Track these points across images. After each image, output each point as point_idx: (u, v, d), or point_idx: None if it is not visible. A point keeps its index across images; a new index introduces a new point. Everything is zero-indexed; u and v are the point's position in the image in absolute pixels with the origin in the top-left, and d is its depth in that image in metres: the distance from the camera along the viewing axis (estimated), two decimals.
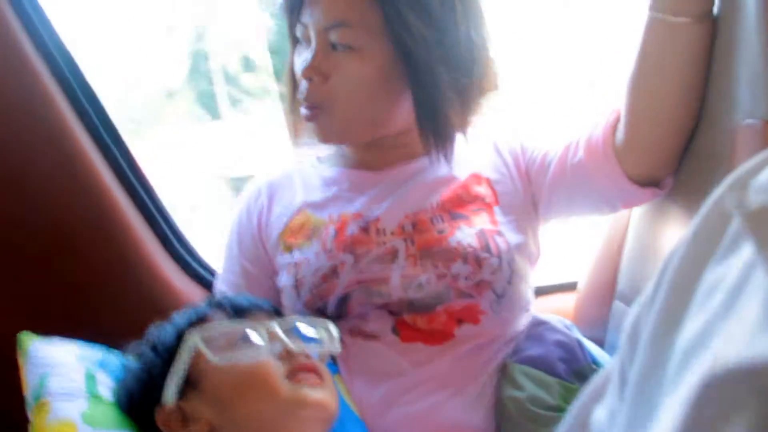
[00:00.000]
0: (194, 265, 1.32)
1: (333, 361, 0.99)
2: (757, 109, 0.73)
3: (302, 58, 0.96)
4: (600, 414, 0.43)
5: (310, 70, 0.94)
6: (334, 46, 0.93)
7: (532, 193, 1.02)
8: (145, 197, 1.25)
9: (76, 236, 1.17)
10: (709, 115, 0.86)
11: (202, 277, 1.31)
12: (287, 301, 1.03)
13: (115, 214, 1.18)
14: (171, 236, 1.29)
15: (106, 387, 0.88)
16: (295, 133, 1.08)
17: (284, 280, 1.03)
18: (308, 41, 0.95)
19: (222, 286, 1.11)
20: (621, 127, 0.91)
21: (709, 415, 0.29)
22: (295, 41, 1.00)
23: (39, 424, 0.81)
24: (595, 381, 0.47)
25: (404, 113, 0.98)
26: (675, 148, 0.90)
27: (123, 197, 1.21)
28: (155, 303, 1.17)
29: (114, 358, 0.93)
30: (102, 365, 0.91)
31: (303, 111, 0.98)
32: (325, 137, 1.00)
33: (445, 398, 0.92)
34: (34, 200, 1.14)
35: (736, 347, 0.30)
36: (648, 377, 0.36)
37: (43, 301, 1.17)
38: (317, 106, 0.96)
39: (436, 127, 0.95)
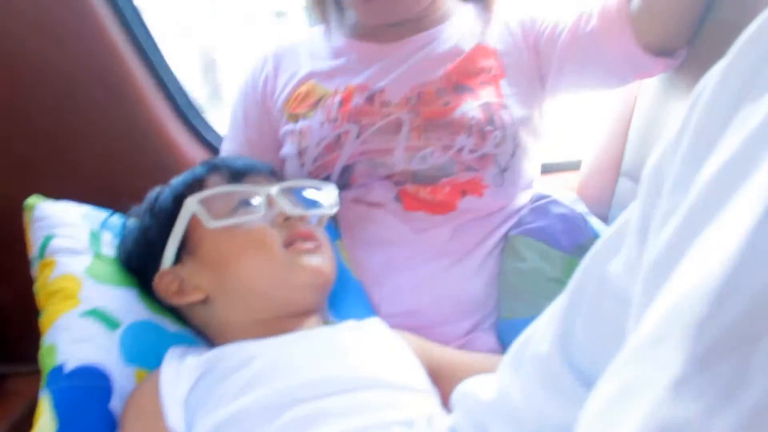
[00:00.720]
0: (203, 130, 1.31)
1: (335, 227, 1.00)
2: None
3: None
4: (617, 266, 0.42)
5: None
6: None
7: (539, 65, 1.00)
8: (155, 61, 1.23)
9: (89, 100, 1.16)
10: None
11: (211, 143, 1.31)
12: (291, 170, 1.02)
13: (126, 77, 1.17)
14: (181, 100, 1.28)
15: (110, 246, 0.89)
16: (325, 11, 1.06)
17: (288, 148, 1.02)
18: None
19: (225, 155, 1.11)
20: None
21: None
22: None
23: (43, 282, 0.82)
24: (606, 235, 0.44)
25: None
26: (692, 16, 0.87)
27: (135, 61, 1.19)
28: (164, 168, 1.16)
29: (119, 220, 0.93)
30: (107, 226, 0.91)
31: None
32: (395, 14, 0.98)
33: (445, 266, 0.93)
34: (45, 63, 1.12)
35: None
36: (679, 225, 0.32)
37: (52, 165, 1.17)
38: None
39: None
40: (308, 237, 0.82)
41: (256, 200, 0.82)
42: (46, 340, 0.77)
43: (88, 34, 1.13)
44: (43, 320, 0.79)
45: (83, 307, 0.79)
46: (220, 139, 1.31)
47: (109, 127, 1.19)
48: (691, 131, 0.34)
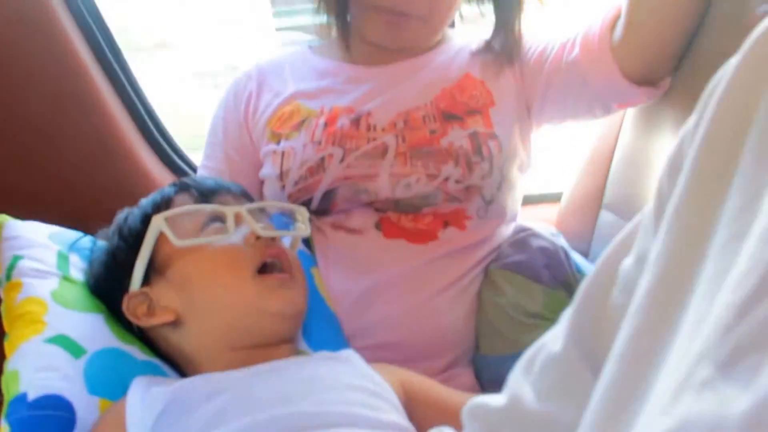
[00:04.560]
0: (172, 155, 1.30)
1: (310, 254, 0.98)
2: None
3: None
4: (628, 262, 0.42)
5: None
6: None
7: (526, 95, 1.00)
8: (127, 86, 1.23)
9: (57, 122, 1.15)
10: (716, 12, 0.82)
11: (179, 167, 1.30)
12: (270, 192, 1.01)
13: (96, 102, 1.16)
14: (150, 125, 1.27)
15: (78, 269, 0.87)
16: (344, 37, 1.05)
17: (268, 170, 1.00)
18: None
19: (204, 174, 1.08)
20: (620, 22, 0.88)
21: None
22: None
23: (9, 304, 0.80)
24: (622, 234, 0.45)
25: None
26: (675, 45, 0.87)
27: (105, 84, 1.19)
28: (133, 191, 1.14)
29: (87, 242, 0.91)
30: (74, 248, 0.89)
31: (388, 17, 0.96)
32: (407, 41, 1.00)
33: (423, 298, 0.91)
34: (12, 84, 1.11)
35: None
36: (695, 204, 0.33)
37: (20, 184, 1.15)
38: (418, 16, 0.96)
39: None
40: (279, 256, 0.80)
41: (226, 218, 0.80)
42: (10, 365, 0.75)
43: (56, 55, 1.12)
44: (8, 344, 0.77)
45: (48, 333, 0.77)
46: (189, 162, 1.31)
47: (77, 148, 1.18)
48: (708, 117, 0.34)
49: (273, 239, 0.82)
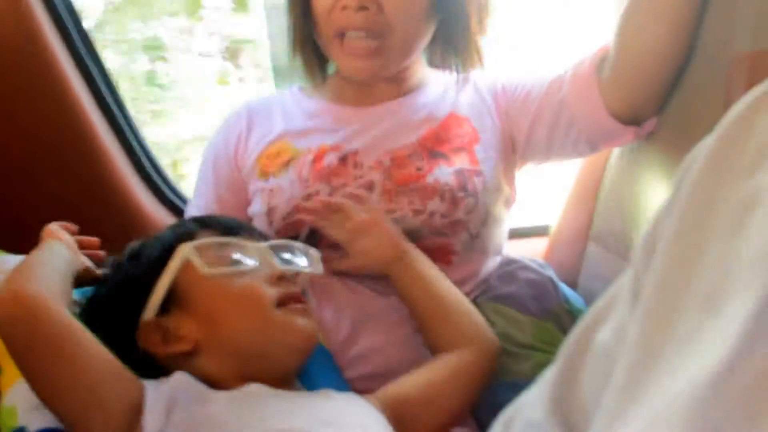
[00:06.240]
0: (166, 191, 1.31)
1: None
2: (762, 37, 0.72)
3: None
4: (605, 334, 0.42)
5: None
6: None
7: (511, 133, 1.02)
8: (122, 122, 1.24)
9: (52, 157, 1.16)
10: (702, 53, 0.85)
11: (173, 203, 1.30)
12: (258, 228, 1.01)
13: (91, 137, 1.17)
14: (145, 161, 1.28)
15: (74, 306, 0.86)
16: (309, 69, 1.06)
17: (257, 206, 1.01)
18: None
19: (193, 212, 1.09)
20: (608, 62, 0.91)
21: None
22: None
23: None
24: (598, 303, 0.45)
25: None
26: (661, 86, 0.89)
27: (100, 121, 1.20)
28: (126, 226, 1.17)
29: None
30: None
31: (352, 43, 0.95)
32: (376, 68, 0.98)
33: (411, 332, 0.92)
34: (6, 120, 1.12)
35: None
36: (669, 286, 0.34)
37: (13, 219, 1.15)
38: (378, 35, 0.94)
39: (461, 43, 1.01)
40: (300, 299, 0.81)
41: (251, 254, 0.81)
42: (7, 400, 0.75)
43: (50, 91, 1.13)
44: (4, 380, 0.77)
45: None
46: (182, 198, 1.32)
47: (69, 184, 1.18)
48: (684, 196, 0.35)
49: (293, 275, 0.83)
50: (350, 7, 0.92)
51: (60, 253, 0.81)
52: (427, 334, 0.90)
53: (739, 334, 0.27)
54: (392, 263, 0.91)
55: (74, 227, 0.89)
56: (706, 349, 0.28)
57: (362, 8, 0.91)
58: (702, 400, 0.27)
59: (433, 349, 0.89)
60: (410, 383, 0.84)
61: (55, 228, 0.87)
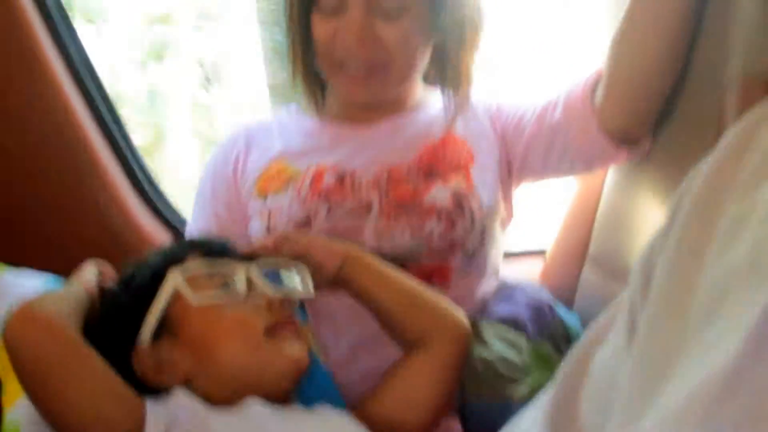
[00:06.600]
0: (162, 207, 1.31)
1: (302, 309, 0.99)
2: (753, 64, 0.73)
3: (337, 24, 0.93)
4: (604, 354, 0.43)
5: (365, 32, 0.92)
6: (376, 8, 0.92)
7: (507, 153, 1.03)
8: (119, 137, 1.24)
9: (49, 173, 1.16)
10: (696, 78, 0.86)
11: (169, 219, 1.31)
12: None
13: (88, 153, 1.17)
14: (142, 177, 1.28)
15: None
16: (313, 96, 1.07)
17: (256, 226, 1.02)
18: (340, 7, 0.93)
19: (193, 233, 1.10)
20: (602, 83, 0.92)
21: None
22: (307, 10, 0.97)
23: (4, 355, 0.77)
24: (596, 324, 0.46)
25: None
26: (653, 104, 0.90)
27: (97, 137, 1.20)
28: (123, 243, 1.16)
29: None
30: None
31: (352, 72, 0.96)
32: (376, 94, 1.00)
33: None
34: (7, 133, 1.12)
35: None
36: (666, 315, 0.34)
37: (12, 233, 1.16)
38: (378, 66, 0.96)
39: (454, 62, 1.00)
40: (290, 323, 0.81)
41: (240, 278, 0.80)
42: (10, 416, 0.75)
43: (49, 108, 1.13)
44: (6, 396, 0.77)
45: None
46: (178, 215, 1.32)
47: (66, 201, 1.19)
48: (680, 223, 0.36)
49: (283, 301, 0.83)
50: (350, 39, 0.92)
51: (76, 294, 0.81)
52: (394, 329, 0.87)
53: (745, 338, 0.28)
54: (344, 265, 0.88)
55: (110, 270, 0.89)
56: (713, 357, 0.29)
57: (362, 41, 0.92)
58: (711, 402, 0.27)
59: (403, 344, 0.87)
60: (386, 392, 0.83)
61: (85, 269, 0.87)
